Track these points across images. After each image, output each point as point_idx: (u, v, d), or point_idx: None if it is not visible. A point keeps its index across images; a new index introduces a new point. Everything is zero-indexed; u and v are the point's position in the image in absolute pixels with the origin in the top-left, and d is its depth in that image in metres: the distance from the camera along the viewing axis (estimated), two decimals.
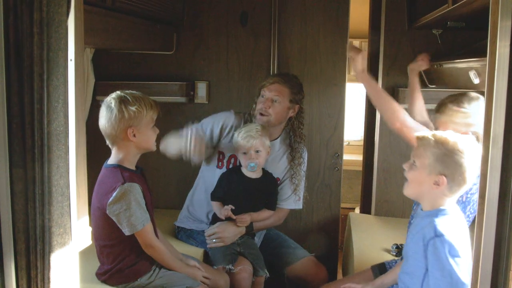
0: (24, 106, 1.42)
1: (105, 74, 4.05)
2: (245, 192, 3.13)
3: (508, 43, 1.54)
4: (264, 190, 3.20)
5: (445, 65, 3.20)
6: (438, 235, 2.06)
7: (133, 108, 2.50)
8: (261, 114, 3.22)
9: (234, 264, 2.99)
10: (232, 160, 3.30)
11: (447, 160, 2.09)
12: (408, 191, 2.26)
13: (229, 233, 3.10)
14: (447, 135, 2.15)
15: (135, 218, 2.50)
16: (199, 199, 3.40)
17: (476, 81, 2.66)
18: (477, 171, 2.01)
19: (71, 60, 1.53)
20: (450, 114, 2.64)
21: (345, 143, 4.39)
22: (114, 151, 2.62)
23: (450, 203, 2.18)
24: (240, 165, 3.18)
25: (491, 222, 1.60)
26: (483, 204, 1.60)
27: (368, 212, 4.22)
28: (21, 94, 1.41)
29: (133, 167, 2.64)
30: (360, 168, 4.81)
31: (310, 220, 4.16)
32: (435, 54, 3.72)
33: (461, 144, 2.10)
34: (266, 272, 3.13)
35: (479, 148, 2.03)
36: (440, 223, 2.09)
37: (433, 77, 3.67)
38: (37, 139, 1.43)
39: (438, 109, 2.72)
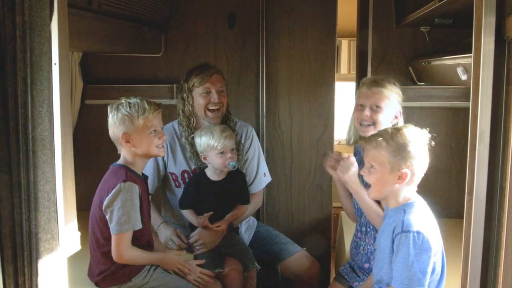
0: (8, 110, 1.40)
1: (93, 78, 4.04)
2: (214, 196, 3.08)
3: (493, 38, 1.55)
4: (234, 189, 3.15)
5: (433, 62, 3.21)
6: (405, 230, 2.10)
7: (120, 115, 2.54)
8: (213, 110, 3.18)
9: (222, 266, 2.98)
10: (186, 175, 3.26)
11: (403, 153, 2.13)
12: (374, 194, 2.29)
13: (210, 237, 3.07)
14: (391, 130, 2.21)
15: (126, 219, 2.50)
16: (177, 209, 3.33)
17: (463, 77, 2.67)
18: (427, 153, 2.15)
19: (55, 64, 1.52)
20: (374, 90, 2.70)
21: (336, 142, 4.38)
22: (121, 154, 2.65)
23: (412, 193, 2.23)
24: (204, 170, 3.13)
25: (479, 218, 1.60)
26: (471, 201, 1.61)
27: None
28: (5, 99, 1.40)
29: (139, 172, 2.66)
30: None
31: (302, 220, 4.16)
32: (423, 51, 3.75)
33: (408, 135, 2.15)
34: (257, 265, 3.11)
35: (421, 132, 2.16)
36: (409, 218, 2.14)
37: (421, 74, 3.69)
38: (22, 144, 1.42)
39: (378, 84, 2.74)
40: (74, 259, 1.76)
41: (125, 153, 2.63)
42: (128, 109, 2.53)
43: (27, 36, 1.40)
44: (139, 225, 2.56)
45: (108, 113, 2.59)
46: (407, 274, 2.07)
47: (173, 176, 3.27)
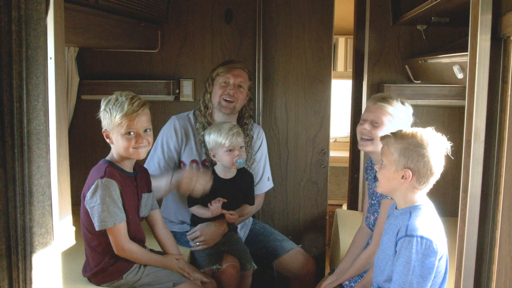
0: (3, 104, 1.39)
1: (89, 73, 4.03)
2: (223, 194, 3.06)
3: (489, 36, 1.55)
4: (242, 188, 3.17)
5: (430, 60, 3.21)
6: (408, 234, 2.11)
7: (103, 110, 2.53)
8: (227, 101, 3.21)
9: (220, 263, 2.99)
10: (194, 165, 3.27)
11: (409, 153, 2.14)
12: (380, 188, 2.31)
13: (211, 235, 3.08)
14: (405, 130, 2.22)
15: (107, 215, 2.48)
16: (174, 205, 3.36)
17: (460, 75, 2.67)
18: (442, 160, 2.13)
19: (50, 58, 1.52)
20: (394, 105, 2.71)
21: (332, 140, 4.39)
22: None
23: (421, 197, 2.23)
24: (212, 167, 3.14)
25: (473, 216, 1.60)
26: (466, 199, 1.61)
27: (355, 209, 4.23)
28: (0, 93, 1.39)
29: (127, 169, 2.64)
30: (347, 165, 4.81)
31: (297, 217, 4.16)
32: (419, 49, 3.75)
33: (420, 136, 2.15)
34: (254, 264, 3.14)
35: (438, 138, 2.14)
36: (414, 222, 2.14)
37: (418, 72, 3.69)
38: (17, 138, 1.41)
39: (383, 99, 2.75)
40: (70, 255, 1.77)
41: (112, 149, 2.62)
42: (110, 106, 2.50)
43: (22, 30, 1.39)
44: (121, 218, 2.54)
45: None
46: (407, 278, 2.08)
47: (182, 164, 3.29)
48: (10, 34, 1.38)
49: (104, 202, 2.47)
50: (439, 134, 2.19)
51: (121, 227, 2.55)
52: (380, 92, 3.71)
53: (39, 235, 1.48)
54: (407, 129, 2.23)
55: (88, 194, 2.49)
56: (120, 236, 2.56)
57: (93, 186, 2.47)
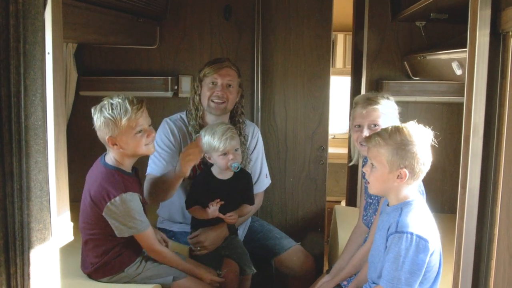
0: (1, 99, 1.39)
1: (88, 69, 4.03)
2: (221, 195, 3.02)
3: (488, 32, 1.55)
4: (240, 188, 3.14)
5: (428, 56, 3.21)
6: (398, 231, 2.11)
7: (103, 118, 2.50)
8: (217, 102, 3.16)
9: (221, 268, 2.97)
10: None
11: (401, 153, 2.12)
12: (374, 190, 2.30)
13: (212, 240, 3.05)
14: (390, 128, 2.19)
15: (134, 224, 2.55)
16: (171, 205, 3.32)
17: (458, 72, 2.67)
18: (429, 151, 2.12)
19: (48, 53, 1.51)
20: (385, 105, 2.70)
21: (330, 136, 4.38)
22: (110, 153, 2.62)
23: (413, 191, 2.23)
24: (209, 168, 3.11)
25: (472, 211, 1.60)
26: (464, 194, 1.61)
27: (354, 205, 4.23)
28: None
29: (129, 169, 2.65)
30: (346, 161, 4.81)
31: (295, 214, 4.16)
32: (418, 46, 3.75)
33: (407, 133, 2.13)
34: (253, 268, 3.11)
35: (423, 130, 2.13)
36: (404, 219, 2.14)
37: (416, 69, 3.69)
38: (14, 133, 1.41)
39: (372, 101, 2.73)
40: (67, 251, 1.76)
41: (115, 155, 2.60)
42: (110, 112, 2.48)
43: (20, 24, 1.38)
44: (148, 224, 2.61)
45: (92, 115, 2.55)
46: (395, 274, 2.08)
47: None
48: (8, 29, 1.37)
49: (130, 215, 2.53)
50: (422, 126, 2.18)
51: (150, 231, 2.63)
52: (378, 90, 3.71)
53: (37, 230, 1.48)
54: (391, 127, 2.21)
55: (110, 208, 2.50)
56: (152, 240, 2.65)
57: (116, 200, 2.49)
